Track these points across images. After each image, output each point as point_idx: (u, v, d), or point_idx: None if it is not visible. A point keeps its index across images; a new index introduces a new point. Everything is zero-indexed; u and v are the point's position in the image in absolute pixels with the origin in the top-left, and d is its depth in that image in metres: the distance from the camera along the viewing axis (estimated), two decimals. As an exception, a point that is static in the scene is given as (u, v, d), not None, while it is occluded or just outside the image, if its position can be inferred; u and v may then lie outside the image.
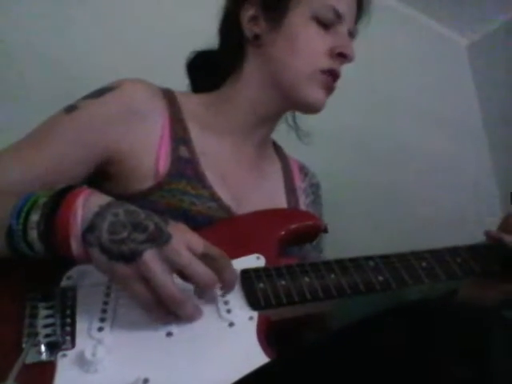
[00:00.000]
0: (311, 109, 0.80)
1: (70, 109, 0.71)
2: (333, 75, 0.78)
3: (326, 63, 0.77)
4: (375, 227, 1.60)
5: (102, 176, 0.73)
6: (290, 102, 0.80)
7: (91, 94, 0.73)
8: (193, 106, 0.79)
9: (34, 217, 0.53)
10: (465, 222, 1.80)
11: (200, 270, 0.54)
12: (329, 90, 0.79)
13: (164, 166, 0.71)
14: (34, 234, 0.53)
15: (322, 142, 0.96)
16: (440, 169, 1.89)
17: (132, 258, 0.51)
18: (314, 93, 0.77)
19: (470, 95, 2.16)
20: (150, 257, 0.52)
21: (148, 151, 0.72)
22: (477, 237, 0.94)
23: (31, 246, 0.54)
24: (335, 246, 0.90)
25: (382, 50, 1.72)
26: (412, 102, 1.90)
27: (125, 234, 0.52)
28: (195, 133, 0.77)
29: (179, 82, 0.87)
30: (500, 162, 2.02)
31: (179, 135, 0.75)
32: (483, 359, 0.42)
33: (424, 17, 2.11)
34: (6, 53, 1.15)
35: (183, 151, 0.74)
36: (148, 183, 0.71)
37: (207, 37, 0.84)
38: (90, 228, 0.52)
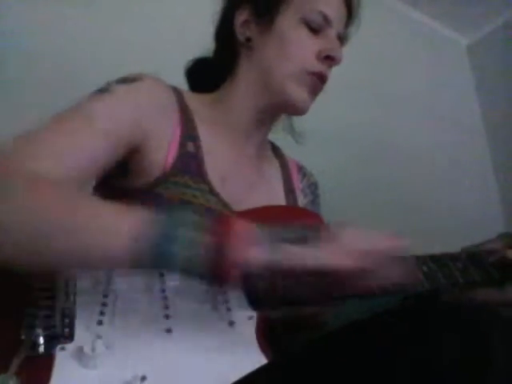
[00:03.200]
0: (297, 110, 0.81)
1: (103, 91, 0.69)
2: (320, 78, 0.79)
3: (314, 66, 0.78)
4: (376, 226, 1.60)
5: (111, 170, 0.70)
6: (278, 103, 0.81)
7: (120, 81, 0.71)
8: (197, 105, 0.80)
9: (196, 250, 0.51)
10: (465, 222, 1.80)
11: None
12: (315, 91, 0.80)
13: (172, 158, 0.72)
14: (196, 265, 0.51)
15: (323, 141, 0.97)
16: (440, 168, 1.89)
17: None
18: (299, 93, 0.78)
19: (470, 95, 2.16)
20: None
21: (163, 144, 0.72)
22: (476, 236, 0.94)
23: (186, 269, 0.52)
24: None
25: (381, 50, 1.73)
26: (412, 102, 1.90)
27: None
28: (202, 131, 0.78)
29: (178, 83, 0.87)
30: (500, 161, 2.02)
31: (189, 132, 0.76)
32: (484, 359, 0.42)
33: (424, 17, 2.11)
34: (4, 53, 1.15)
35: (190, 146, 0.75)
36: (155, 174, 0.71)
37: (206, 38, 0.84)
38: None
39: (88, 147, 0.63)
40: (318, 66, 0.78)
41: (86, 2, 1.28)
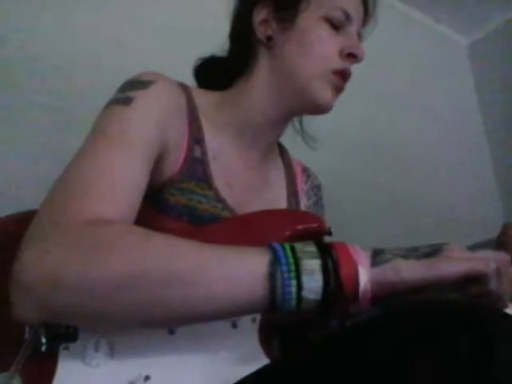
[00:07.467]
0: (321, 110, 0.80)
1: (124, 103, 0.65)
2: (344, 75, 0.79)
3: (337, 64, 0.77)
4: (377, 226, 1.60)
5: None
6: (300, 102, 0.80)
7: (135, 86, 0.68)
8: (205, 103, 0.79)
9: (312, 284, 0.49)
10: (464, 221, 1.80)
11: None
12: (339, 90, 0.80)
13: (180, 164, 0.71)
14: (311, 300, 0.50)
15: (325, 142, 0.97)
16: (440, 168, 1.89)
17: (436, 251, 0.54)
18: (324, 93, 0.78)
19: (470, 95, 2.16)
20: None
21: (175, 149, 0.71)
22: (476, 236, 0.94)
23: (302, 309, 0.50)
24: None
25: (382, 50, 1.73)
26: (412, 102, 1.91)
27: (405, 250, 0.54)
28: (208, 133, 0.77)
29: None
30: (500, 162, 2.03)
31: (195, 134, 0.75)
32: (488, 359, 0.42)
33: (424, 17, 2.12)
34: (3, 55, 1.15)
35: (197, 151, 0.74)
36: (162, 179, 0.70)
37: (213, 37, 0.83)
38: (375, 258, 0.52)
39: (133, 181, 0.60)
40: (342, 64, 0.78)
41: (89, 2, 1.28)
